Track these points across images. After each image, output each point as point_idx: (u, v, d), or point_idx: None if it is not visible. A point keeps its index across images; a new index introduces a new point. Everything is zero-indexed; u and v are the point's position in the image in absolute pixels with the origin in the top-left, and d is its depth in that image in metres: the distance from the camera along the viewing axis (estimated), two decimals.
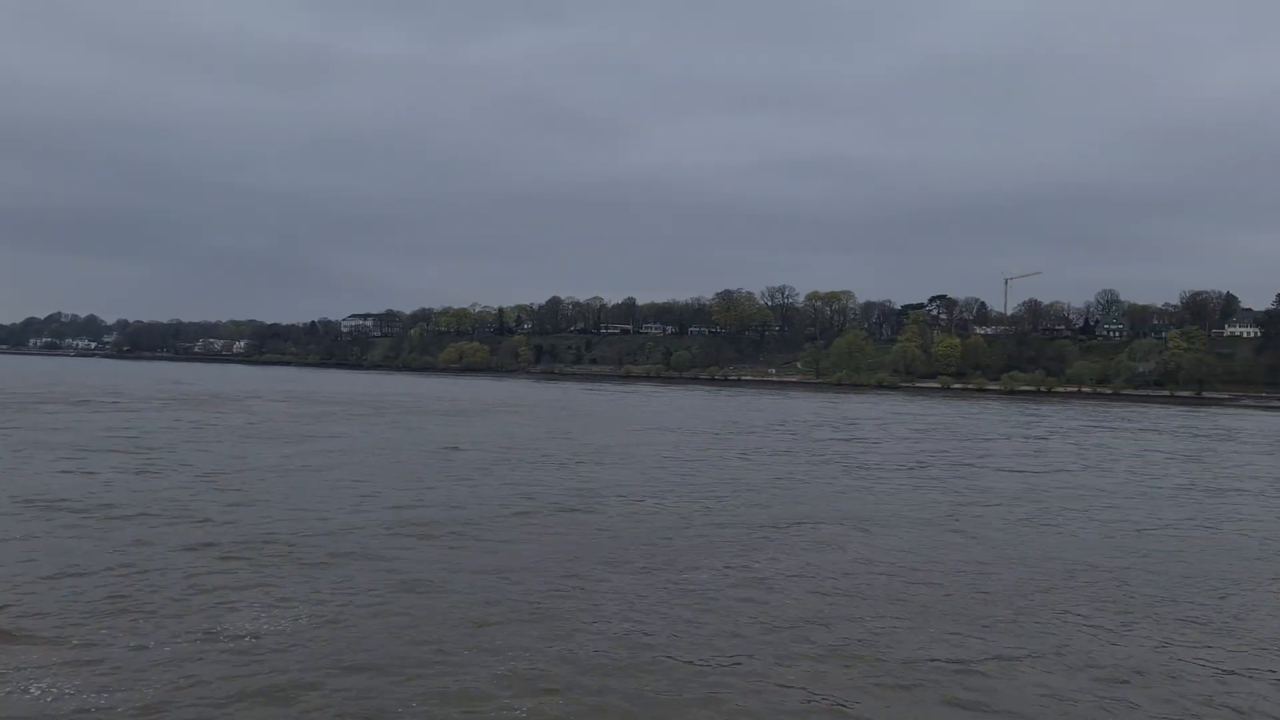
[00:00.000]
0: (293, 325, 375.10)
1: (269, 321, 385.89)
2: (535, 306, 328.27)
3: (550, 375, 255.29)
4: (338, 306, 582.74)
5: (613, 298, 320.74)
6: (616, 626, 18.09)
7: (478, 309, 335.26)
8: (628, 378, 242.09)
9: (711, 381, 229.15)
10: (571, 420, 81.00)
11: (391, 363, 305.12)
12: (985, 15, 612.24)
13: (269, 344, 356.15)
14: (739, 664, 16.26)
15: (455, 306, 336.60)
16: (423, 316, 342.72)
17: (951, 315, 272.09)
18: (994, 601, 20.81)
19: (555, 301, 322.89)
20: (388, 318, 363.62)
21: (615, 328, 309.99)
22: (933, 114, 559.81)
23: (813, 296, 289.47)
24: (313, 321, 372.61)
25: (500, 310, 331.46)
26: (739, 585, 21.61)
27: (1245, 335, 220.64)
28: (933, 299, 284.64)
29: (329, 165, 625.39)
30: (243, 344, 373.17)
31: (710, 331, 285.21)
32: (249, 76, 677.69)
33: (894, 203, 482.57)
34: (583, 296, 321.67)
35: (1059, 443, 70.91)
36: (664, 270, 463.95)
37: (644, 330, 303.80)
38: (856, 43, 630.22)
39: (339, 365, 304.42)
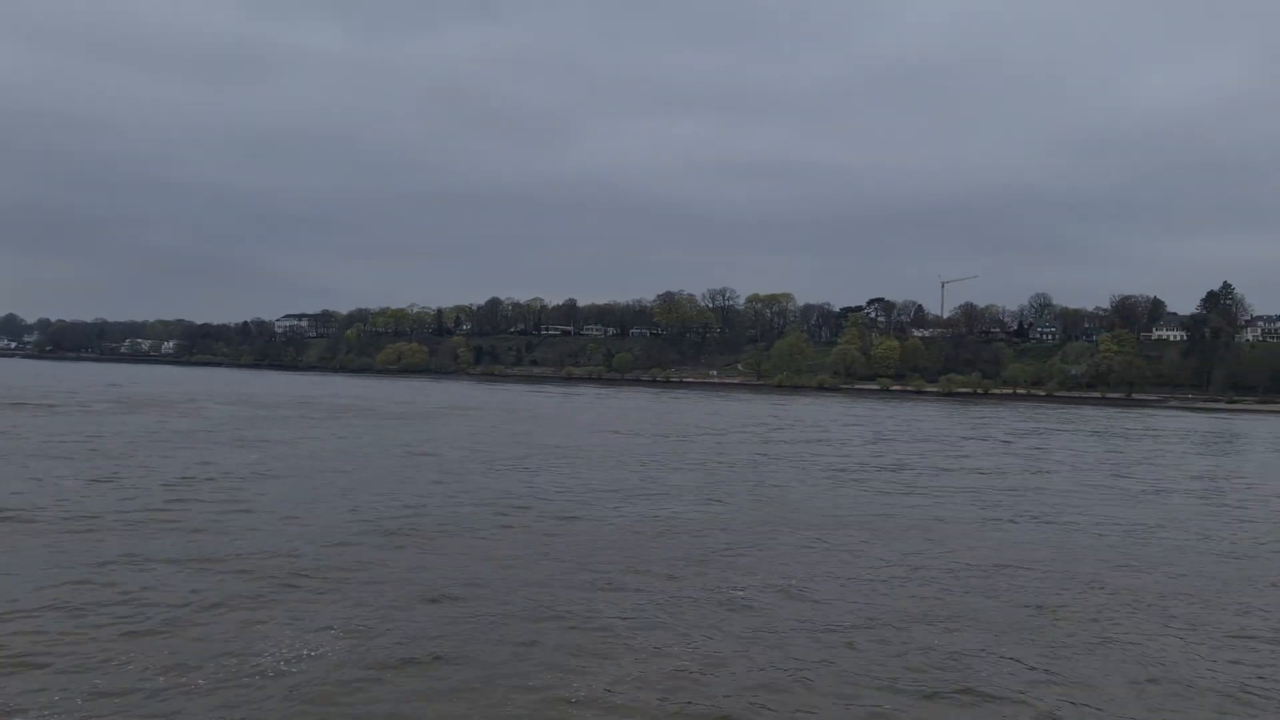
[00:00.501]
0: (224, 325, 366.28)
1: (199, 321, 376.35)
2: (475, 307, 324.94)
3: (491, 377, 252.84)
4: (271, 306, 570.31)
5: (553, 299, 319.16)
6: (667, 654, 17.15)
7: (416, 309, 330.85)
8: (569, 379, 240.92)
9: (654, 383, 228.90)
10: (533, 423, 79.65)
11: (328, 364, 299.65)
12: (922, 25, 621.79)
13: (200, 344, 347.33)
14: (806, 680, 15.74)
15: (393, 307, 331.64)
16: (359, 317, 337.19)
17: (890, 318, 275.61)
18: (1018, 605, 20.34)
19: (495, 302, 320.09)
20: (323, 318, 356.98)
21: (556, 329, 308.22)
22: (871, 119, 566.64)
23: (753, 298, 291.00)
24: (245, 322, 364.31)
25: (439, 311, 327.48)
26: (790, 598, 21.04)
27: (1172, 339, 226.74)
28: (871, 302, 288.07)
29: (261, 161, 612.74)
30: (172, 344, 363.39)
31: (652, 333, 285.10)
32: (178, 69, 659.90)
33: (832, 206, 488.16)
34: (523, 297, 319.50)
35: (1024, 444, 71.66)
36: (605, 271, 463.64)
37: (585, 332, 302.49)
38: (795, 47, 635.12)
39: (273, 366, 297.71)
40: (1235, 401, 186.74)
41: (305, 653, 16.00)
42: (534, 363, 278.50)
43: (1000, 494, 41.01)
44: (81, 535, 24.96)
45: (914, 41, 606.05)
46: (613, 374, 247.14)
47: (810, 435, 74.93)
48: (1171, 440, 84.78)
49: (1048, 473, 51.36)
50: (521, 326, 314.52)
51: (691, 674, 15.87)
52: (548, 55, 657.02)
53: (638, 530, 28.78)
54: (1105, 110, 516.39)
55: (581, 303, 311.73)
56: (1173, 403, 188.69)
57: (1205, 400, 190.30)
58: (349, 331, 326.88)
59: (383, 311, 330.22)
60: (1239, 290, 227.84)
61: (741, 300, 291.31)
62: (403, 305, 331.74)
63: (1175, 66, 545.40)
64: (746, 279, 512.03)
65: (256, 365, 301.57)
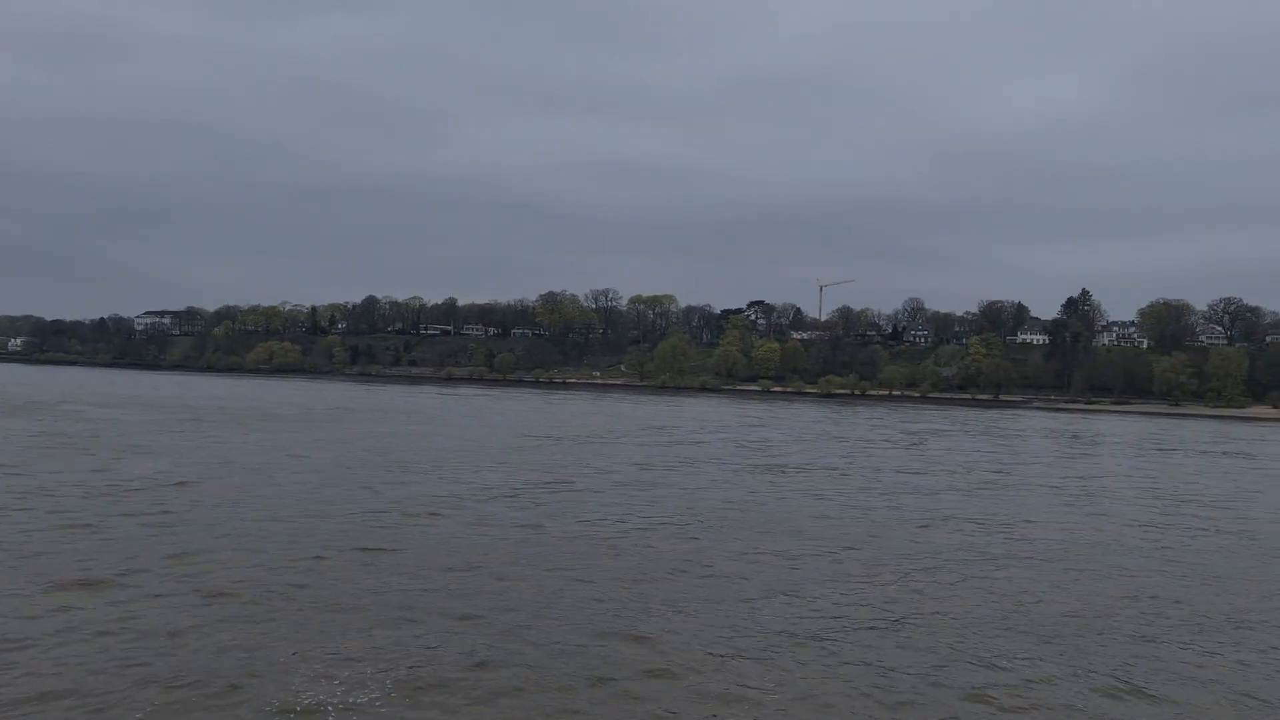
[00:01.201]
0: (79, 322, 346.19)
1: (50, 318, 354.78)
2: (350, 306, 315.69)
3: (368, 377, 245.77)
4: (130, 303, 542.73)
5: (433, 298, 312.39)
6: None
7: (288, 307, 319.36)
8: (450, 380, 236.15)
9: (537, 384, 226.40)
10: (444, 425, 77.05)
11: (194, 363, 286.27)
12: (799, 33, 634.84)
13: (51, 341, 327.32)
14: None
15: (264, 305, 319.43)
16: (228, 314, 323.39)
17: (769, 320, 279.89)
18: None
19: (372, 301, 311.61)
20: (188, 315, 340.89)
21: (436, 329, 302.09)
22: (747, 125, 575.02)
23: (636, 300, 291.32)
24: (102, 318, 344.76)
25: (313, 309, 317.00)
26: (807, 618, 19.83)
27: (1035, 342, 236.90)
28: (751, 304, 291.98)
29: (115, 150, 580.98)
30: (19, 341, 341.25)
31: (534, 333, 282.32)
32: (16, 48, 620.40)
33: (712, 209, 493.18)
34: (401, 296, 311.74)
35: (938, 443, 72.75)
36: (486, 271, 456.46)
37: (465, 331, 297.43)
38: (674, 51, 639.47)
39: (134, 365, 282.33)
40: (1094, 402, 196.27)
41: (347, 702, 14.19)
42: (413, 363, 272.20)
43: (961, 496, 41.02)
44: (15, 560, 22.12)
45: (788, 50, 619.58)
46: (495, 375, 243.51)
47: (745, 440, 74.55)
48: (1053, 439, 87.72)
49: (1009, 477, 51.91)
50: (400, 326, 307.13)
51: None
52: (424, 50, 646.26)
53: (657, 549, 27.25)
54: (969, 121, 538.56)
55: (462, 302, 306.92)
56: (1037, 403, 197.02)
57: (1067, 401, 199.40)
58: (216, 330, 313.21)
59: (253, 309, 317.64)
60: (1096, 297, 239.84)
61: (624, 301, 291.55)
62: (274, 303, 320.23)
63: (1032, 81, 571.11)
64: (629, 280, 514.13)
65: (115, 364, 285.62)
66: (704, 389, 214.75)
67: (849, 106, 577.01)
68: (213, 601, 19.02)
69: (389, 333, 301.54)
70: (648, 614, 19.26)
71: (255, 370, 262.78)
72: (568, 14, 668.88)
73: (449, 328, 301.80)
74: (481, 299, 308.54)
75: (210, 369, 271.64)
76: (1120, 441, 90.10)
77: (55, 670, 14.76)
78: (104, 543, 23.99)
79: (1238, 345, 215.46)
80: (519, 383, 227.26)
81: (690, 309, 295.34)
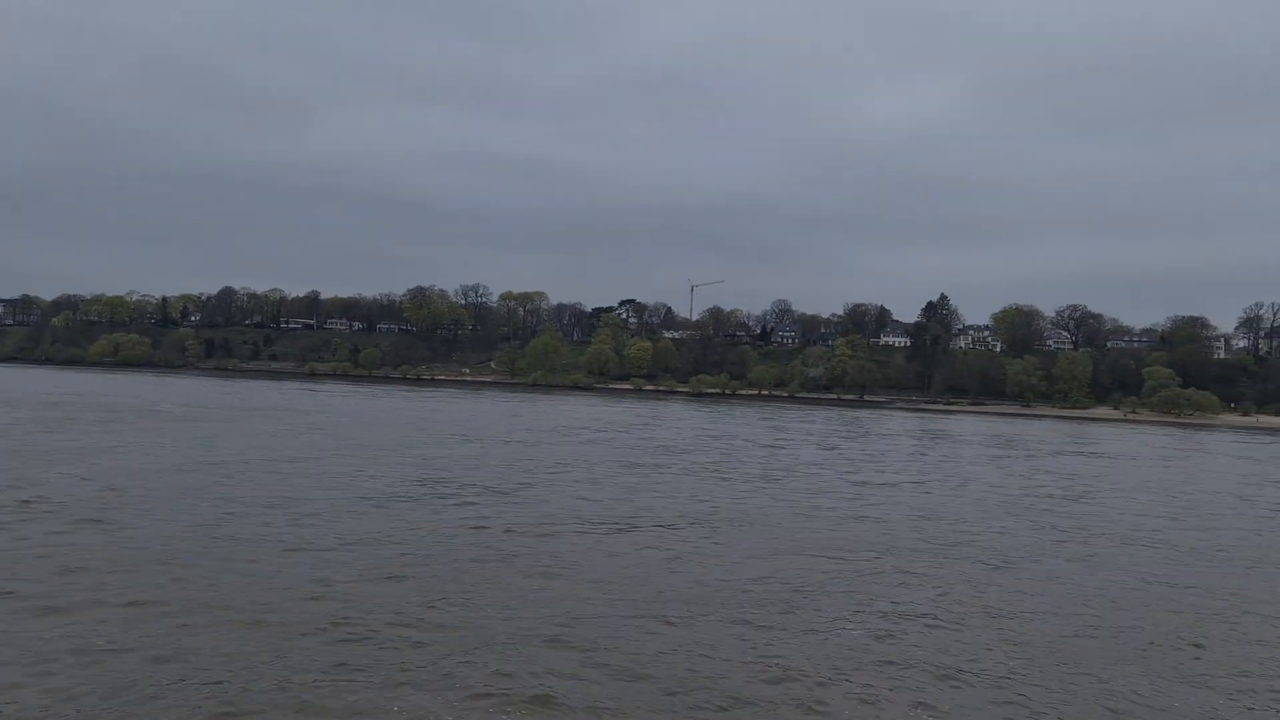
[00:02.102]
0: None
1: None
2: (205, 297, 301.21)
3: (225, 372, 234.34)
4: None
5: (294, 290, 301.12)
6: None
7: (136, 298, 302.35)
8: (313, 376, 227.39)
9: (404, 380, 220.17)
10: (344, 424, 73.08)
11: (29, 355, 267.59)
12: (671, 35, 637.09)
13: None
14: None
15: (109, 294, 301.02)
16: (68, 304, 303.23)
17: (641, 319, 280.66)
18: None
19: (228, 292, 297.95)
20: (23, 304, 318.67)
21: (297, 322, 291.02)
22: (620, 123, 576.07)
23: (506, 296, 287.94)
24: None
25: (163, 300, 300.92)
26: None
27: (897, 344, 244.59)
28: (623, 303, 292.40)
29: None
30: None
31: (401, 329, 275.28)
32: None
33: (584, 207, 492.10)
34: (260, 288, 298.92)
35: (853, 446, 72.84)
36: (351, 263, 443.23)
37: (329, 326, 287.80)
38: (548, 46, 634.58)
39: None
40: (953, 403, 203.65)
41: None
42: (273, 357, 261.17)
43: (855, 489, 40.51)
44: None
45: (662, 50, 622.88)
46: (360, 371, 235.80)
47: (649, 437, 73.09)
48: (929, 439, 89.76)
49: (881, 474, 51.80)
50: (258, 319, 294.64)
51: None
52: (287, 34, 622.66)
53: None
54: (836, 127, 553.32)
55: (325, 295, 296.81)
56: (899, 404, 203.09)
57: (927, 402, 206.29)
58: (55, 320, 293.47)
59: (97, 299, 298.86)
60: (953, 301, 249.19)
61: (495, 297, 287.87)
62: (120, 293, 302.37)
63: (898, 89, 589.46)
64: (500, 276, 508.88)
65: None
66: (576, 387, 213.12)
67: (720, 108, 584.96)
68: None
69: (247, 326, 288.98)
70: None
71: (99, 364, 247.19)
72: (441, 4, 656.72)
73: (311, 322, 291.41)
74: (346, 293, 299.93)
75: (49, 361, 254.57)
76: (977, 438, 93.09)
77: None
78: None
79: (1082, 350, 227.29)
80: (386, 379, 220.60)
81: (561, 306, 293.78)
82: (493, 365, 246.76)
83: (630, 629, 18.85)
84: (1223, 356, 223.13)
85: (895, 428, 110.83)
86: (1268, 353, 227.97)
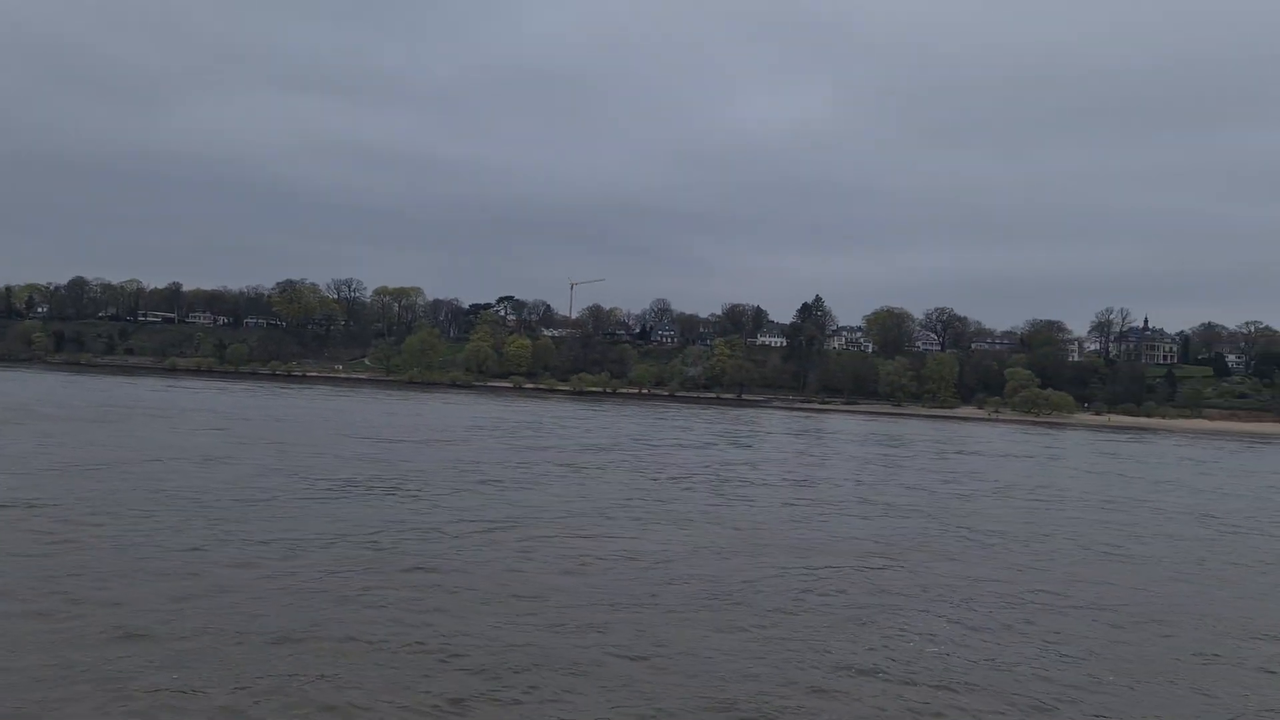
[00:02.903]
0: None
1: None
2: (54, 287, 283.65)
3: (77, 367, 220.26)
4: None
5: (154, 282, 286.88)
6: None
7: None
8: (174, 371, 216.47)
9: (274, 377, 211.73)
10: (245, 423, 68.58)
11: None
12: (551, 30, 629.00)
13: None
14: None
15: None
16: None
17: (520, 316, 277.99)
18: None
19: (80, 283, 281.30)
20: None
21: (157, 315, 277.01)
22: (499, 118, 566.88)
23: (381, 291, 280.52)
24: None
25: (7, 289, 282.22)
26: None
27: (774, 344, 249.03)
28: (501, 299, 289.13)
29: None
30: None
31: (269, 324, 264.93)
32: None
33: (461, 201, 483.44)
34: (116, 278, 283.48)
35: (777, 445, 72.57)
36: (214, 255, 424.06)
37: (192, 320, 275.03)
38: (425, 37, 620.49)
39: None
40: (828, 402, 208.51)
41: None
42: (130, 351, 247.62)
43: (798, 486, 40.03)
44: None
45: (543, 45, 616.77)
46: (225, 366, 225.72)
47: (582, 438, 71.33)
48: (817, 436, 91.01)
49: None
50: (114, 311, 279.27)
51: None
52: (144, 10, 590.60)
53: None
54: (715, 129, 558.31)
55: (187, 287, 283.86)
56: (776, 402, 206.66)
57: (803, 401, 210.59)
58: None
59: None
60: (828, 303, 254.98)
61: (369, 293, 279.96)
62: None
63: (776, 94, 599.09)
64: (374, 271, 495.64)
65: None
66: (455, 385, 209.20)
67: (600, 106, 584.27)
68: None
69: (101, 319, 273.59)
70: None
71: None
72: None
73: (172, 315, 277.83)
74: (210, 285, 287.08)
75: None
76: (851, 436, 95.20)
77: None
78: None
79: (949, 351, 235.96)
80: (254, 376, 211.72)
81: (438, 302, 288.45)
82: (367, 362, 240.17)
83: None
84: (1077, 359, 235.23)
85: (777, 425, 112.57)
86: (1117, 355, 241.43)
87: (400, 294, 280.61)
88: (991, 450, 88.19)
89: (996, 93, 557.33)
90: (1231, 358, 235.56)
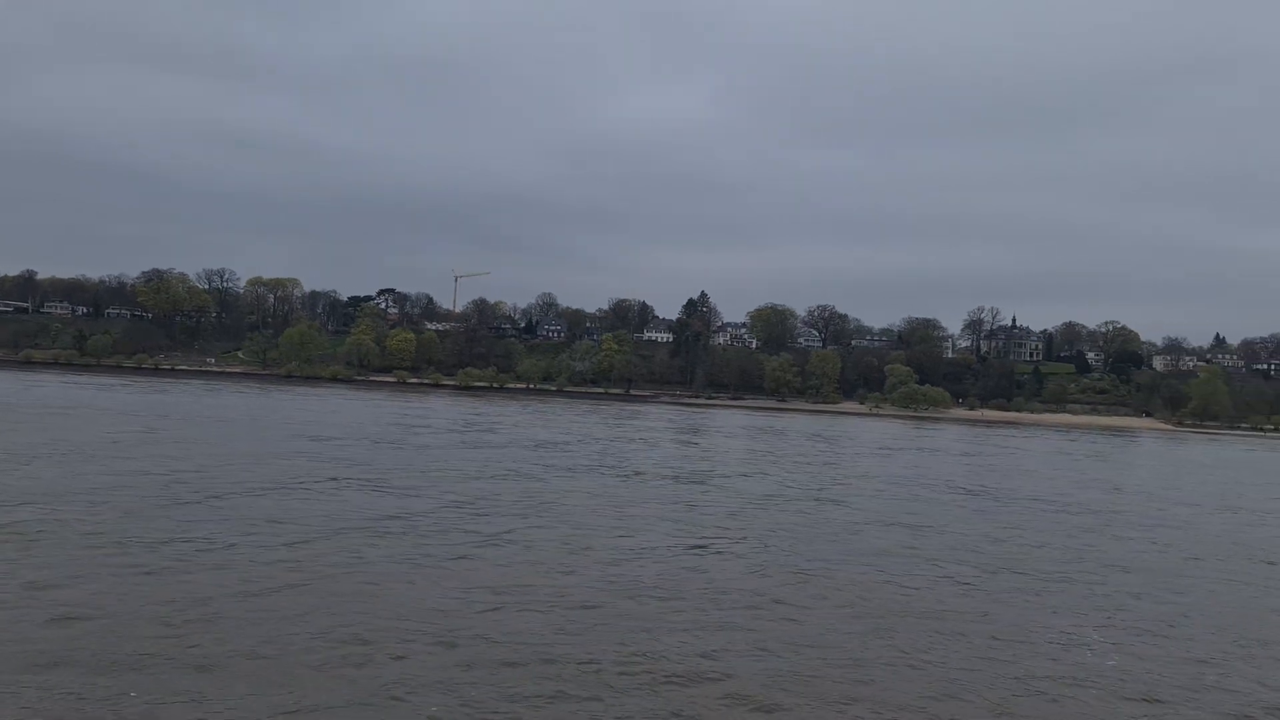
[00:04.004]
0: None
1: None
2: None
3: None
4: None
5: (4, 269, 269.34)
6: None
7: None
8: (29, 364, 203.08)
9: (140, 371, 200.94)
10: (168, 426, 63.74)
11: None
12: (433, 17, 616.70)
13: None
14: None
15: None
16: None
17: (402, 310, 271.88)
18: None
19: None
20: None
21: (8, 305, 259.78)
22: (377, 104, 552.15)
23: (255, 282, 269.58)
24: None
25: None
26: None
27: (660, 340, 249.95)
28: (382, 292, 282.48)
29: None
30: None
31: (134, 315, 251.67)
32: None
33: (337, 190, 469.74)
34: None
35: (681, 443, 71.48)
36: (72, 242, 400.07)
37: (47, 310, 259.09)
38: (304, 19, 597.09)
39: None
40: (714, 397, 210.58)
41: None
42: None
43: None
44: None
45: (426, 31, 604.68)
46: (87, 359, 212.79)
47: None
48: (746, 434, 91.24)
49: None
50: None
51: None
52: None
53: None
54: (600, 123, 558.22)
55: (42, 275, 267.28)
56: (664, 398, 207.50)
57: (690, 396, 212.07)
58: None
59: None
60: (713, 299, 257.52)
61: (242, 283, 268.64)
62: None
63: (658, 90, 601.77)
64: (247, 261, 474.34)
65: None
66: (336, 380, 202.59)
67: (484, 96, 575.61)
68: None
69: None
70: None
71: None
72: None
73: (26, 304, 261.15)
74: (68, 273, 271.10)
75: None
76: (731, 431, 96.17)
77: None
78: None
79: (831, 348, 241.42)
80: (118, 369, 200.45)
81: (315, 294, 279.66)
82: (241, 355, 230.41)
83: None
84: (951, 356, 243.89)
85: (727, 423, 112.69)
86: (988, 352, 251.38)
87: (276, 285, 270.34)
88: (870, 440, 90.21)
89: (871, 95, 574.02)
90: (1091, 355, 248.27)
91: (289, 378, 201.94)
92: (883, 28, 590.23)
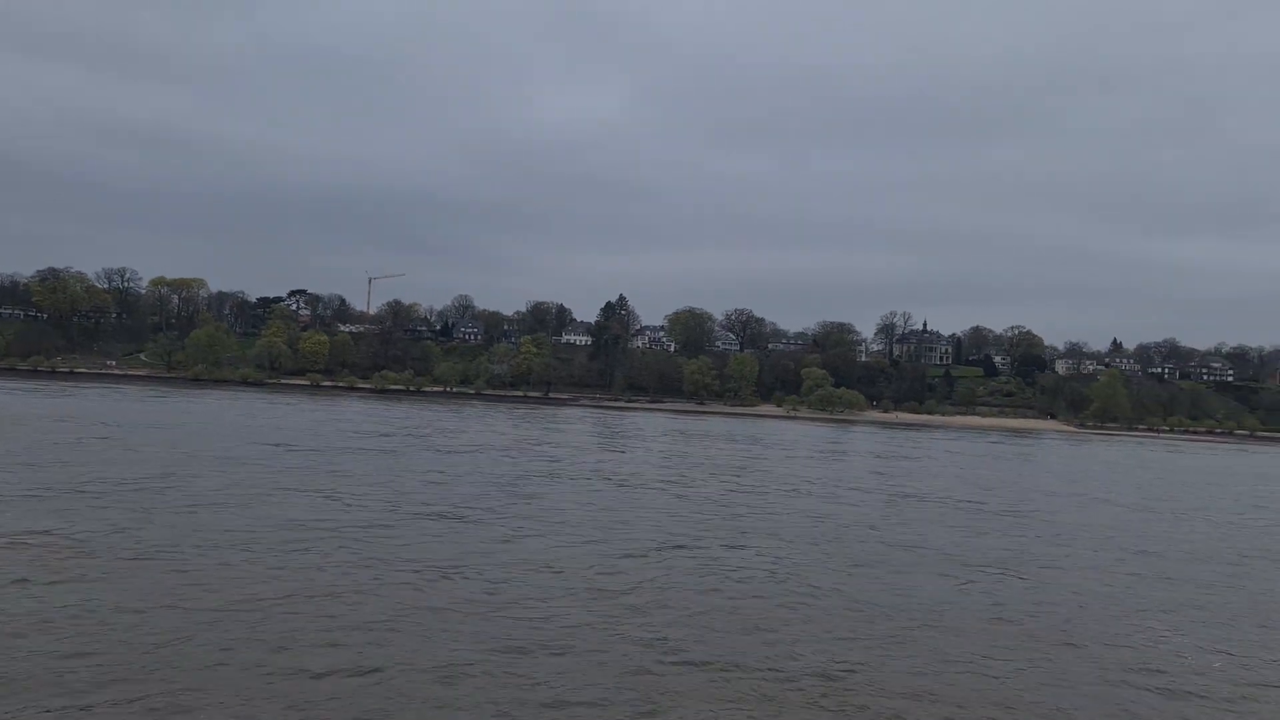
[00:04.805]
0: None
1: None
2: None
3: None
4: None
5: None
6: None
7: None
8: None
9: (35, 374, 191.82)
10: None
11: None
12: (351, 10, 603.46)
13: None
14: None
15: None
16: None
17: (314, 311, 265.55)
18: None
19: None
20: None
21: None
22: (290, 100, 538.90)
23: (158, 282, 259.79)
24: None
25: None
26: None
27: (579, 343, 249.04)
28: (292, 293, 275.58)
29: None
30: None
31: (29, 315, 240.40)
32: None
33: (242, 187, 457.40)
34: None
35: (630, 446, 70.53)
36: None
37: None
38: (204, 8, 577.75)
39: None
40: (633, 400, 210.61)
41: None
42: None
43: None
44: None
45: (336, 28, 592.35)
46: None
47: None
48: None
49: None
50: None
51: None
52: None
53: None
54: (515, 124, 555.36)
55: None
56: (584, 400, 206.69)
57: (609, 399, 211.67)
58: None
59: None
60: (631, 302, 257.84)
61: (144, 283, 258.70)
62: None
63: (574, 92, 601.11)
64: (150, 261, 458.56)
65: None
66: (246, 383, 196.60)
67: (402, 95, 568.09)
68: None
69: None
70: None
71: None
72: None
73: None
74: None
75: None
76: (656, 433, 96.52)
77: None
78: None
79: (748, 352, 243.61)
80: (12, 371, 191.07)
81: (222, 295, 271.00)
82: (144, 358, 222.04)
83: None
84: (865, 359, 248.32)
85: (649, 428, 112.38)
86: (900, 356, 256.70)
87: (180, 285, 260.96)
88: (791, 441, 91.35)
89: (786, 102, 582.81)
90: (998, 359, 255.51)
91: (196, 381, 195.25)
92: (799, 38, 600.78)
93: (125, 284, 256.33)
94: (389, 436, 70.87)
